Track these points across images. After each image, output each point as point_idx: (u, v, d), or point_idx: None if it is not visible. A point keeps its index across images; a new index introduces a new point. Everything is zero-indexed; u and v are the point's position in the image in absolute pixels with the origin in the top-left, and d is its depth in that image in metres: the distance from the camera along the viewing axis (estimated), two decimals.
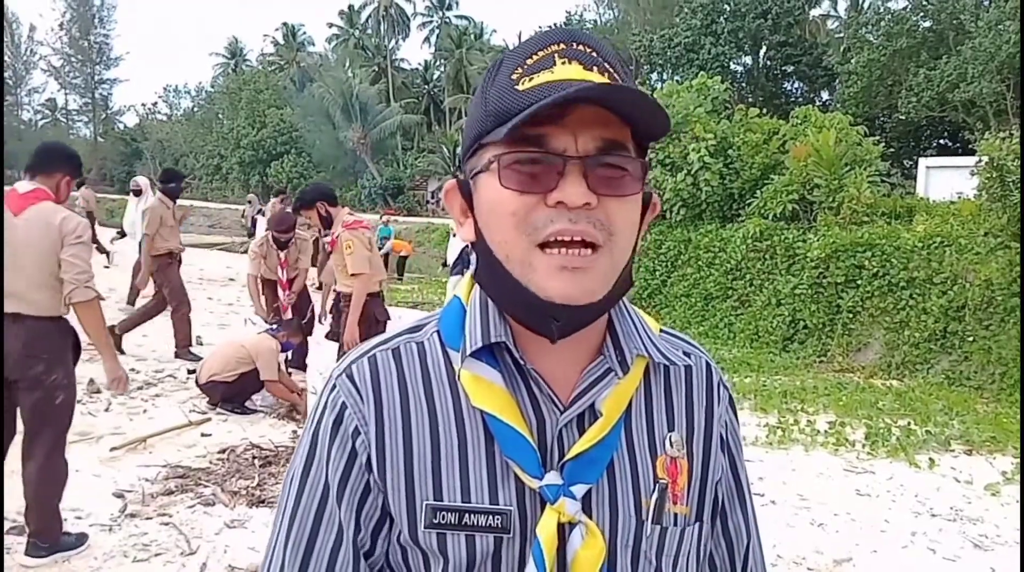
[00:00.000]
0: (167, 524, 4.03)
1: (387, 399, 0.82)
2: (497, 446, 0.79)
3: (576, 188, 0.73)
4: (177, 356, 7.54)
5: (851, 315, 9.38)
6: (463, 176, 0.85)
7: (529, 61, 0.77)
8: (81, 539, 3.72)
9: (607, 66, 0.77)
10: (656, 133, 0.78)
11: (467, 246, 0.89)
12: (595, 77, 0.75)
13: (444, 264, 13.52)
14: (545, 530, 0.77)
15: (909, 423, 6.60)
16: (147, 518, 4.10)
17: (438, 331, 0.86)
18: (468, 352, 0.80)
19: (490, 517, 0.78)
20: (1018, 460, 5.66)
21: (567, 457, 0.79)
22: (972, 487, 5.25)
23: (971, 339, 8.17)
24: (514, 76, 0.77)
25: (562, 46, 0.77)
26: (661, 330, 0.91)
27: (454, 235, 8.15)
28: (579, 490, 0.79)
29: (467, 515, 0.78)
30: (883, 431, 6.29)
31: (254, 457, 4.97)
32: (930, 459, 5.71)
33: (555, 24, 43.20)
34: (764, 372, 8.67)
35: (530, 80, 0.75)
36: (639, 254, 12.33)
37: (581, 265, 0.74)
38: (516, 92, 0.75)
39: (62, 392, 3.50)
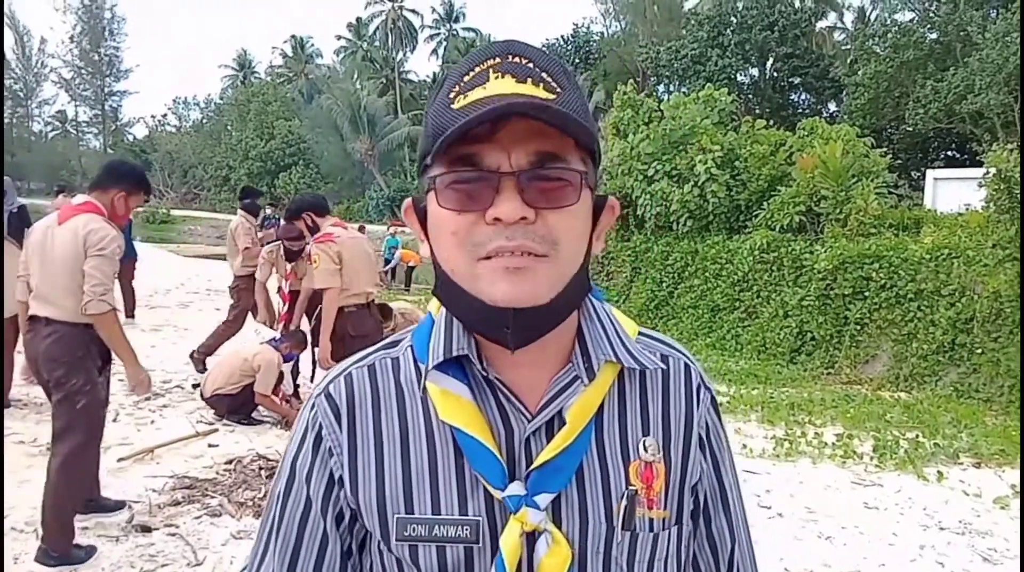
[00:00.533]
0: (174, 535, 4.03)
1: (360, 418, 0.84)
2: (467, 458, 0.80)
3: (510, 204, 0.73)
4: (191, 358, 7.52)
5: (859, 327, 9.35)
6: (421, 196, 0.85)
7: (466, 78, 0.77)
8: (91, 551, 3.73)
9: (543, 75, 0.77)
10: (583, 140, 0.76)
11: None
12: (527, 89, 0.75)
13: None
14: (508, 540, 0.78)
15: (917, 436, 6.56)
16: (154, 529, 4.11)
17: (411, 346, 0.88)
18: (431, 366, 0.81)
19: (459, 528, 0.79)
20: None
21: (532, 467, 0.80)
22: (981, 500, 5.22)
23: (979, 351, 8.13)
24: (451, 95, 0.77)
25: (497, 60, 0.78)
26: (640, 332, 0.91)
27: None
28: (543, 499, 0.79)
29: (437, 526, 0.79)
30: (891, 444, 6.26)
31: (261, 468, 4.98)
32: (938, 472, 5.67)
33: (562, 37, 43.39)
34: (771, 384, 8.64)
35: (464, 98, 0.75)
36: (646, 265, 12.35)
37: (523, 265, 0.74)
38: (451, 111, 0.75)
39: (83, 397, 3.60)
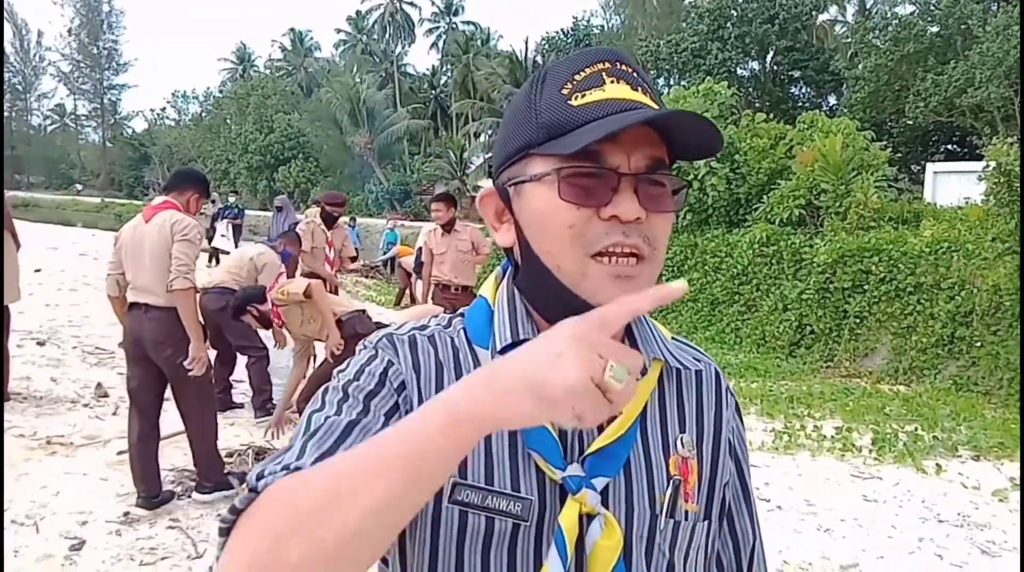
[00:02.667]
0: (174, 528, 4.04)
1: (424, 374, 0.85)
2: (520, 439, 0.82)
3: (630, 204, 0.78)
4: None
5: (858, 320, 9.36)
6: (496, 182, 0.88)
7: (577, 77, 0.81)
8: (242, 477, 4.15)
9: (647, 86, 0.84)
10: (703, 155, 0.84)
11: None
12: (640, 97, 0.81)
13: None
14: (567, 519, 0.80)
15: (916, 428, 6.57)
16: (154, 522, 4.11)
17: (464, 328, 0.90)
18: (499, 348, 0.84)
19: (512, 502, 0.80)
20: None
21: (589, 451, 0.83)
22: (979, 493, 5.23)
23: (979, 344, 8.14)
24: (564, 91, 0.81)
25: (607, 65, 0.82)
26: (672, 337, 0.96)
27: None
28: (599, 483, 0.82)
29: (490, 496, 0.81)
30: (890, 437, 6.27)
31: (260, 461, 4.98)
32: (937, 465, 5.68)
33: (562, 30, 43.30)
34: (771, 377, 8.66)
35: (582, 96, 0.80)
36: None
37: (632, 273, 0.80)
38: (570, 107, 0.80)
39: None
